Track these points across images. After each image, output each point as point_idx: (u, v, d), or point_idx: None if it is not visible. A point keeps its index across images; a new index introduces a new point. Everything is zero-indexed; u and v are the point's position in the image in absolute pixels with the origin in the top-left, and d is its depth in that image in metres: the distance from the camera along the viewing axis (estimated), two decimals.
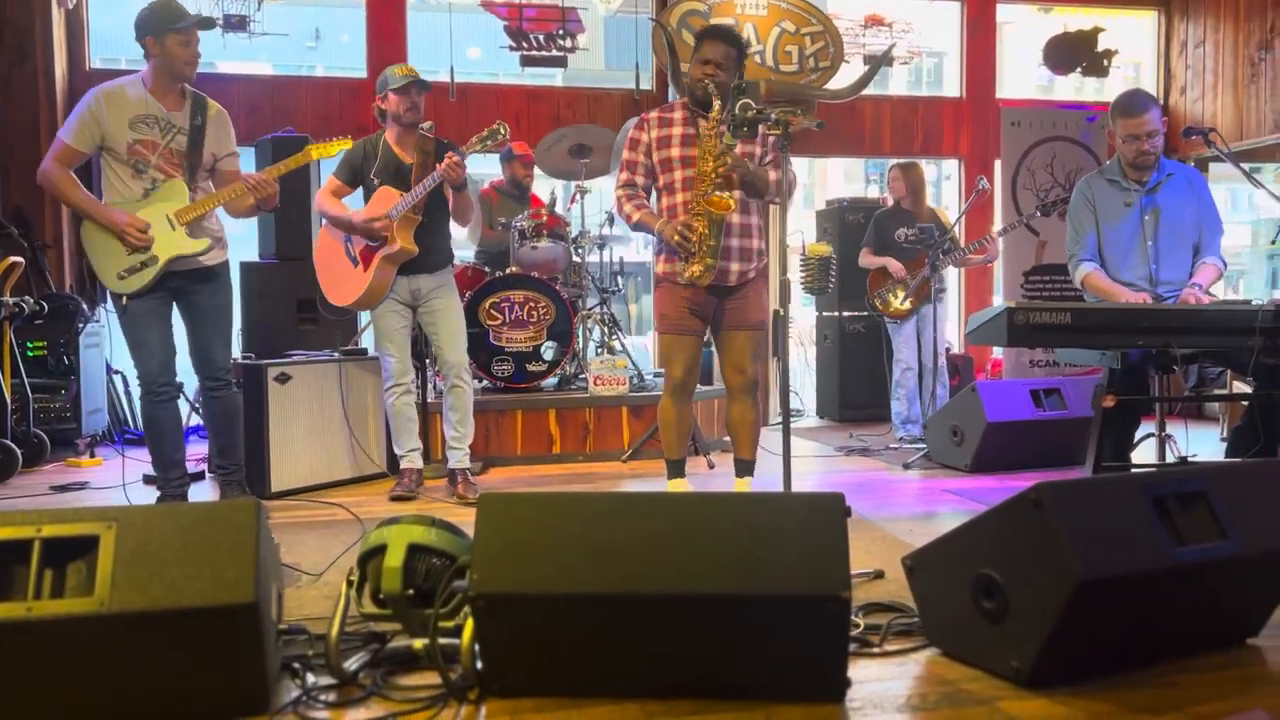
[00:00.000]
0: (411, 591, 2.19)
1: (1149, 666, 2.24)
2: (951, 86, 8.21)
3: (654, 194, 3.85)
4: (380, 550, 2.22)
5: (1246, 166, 8.10)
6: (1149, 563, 2.11)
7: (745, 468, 3.88)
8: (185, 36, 3.68)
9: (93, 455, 5.57)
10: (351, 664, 2.21)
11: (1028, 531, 2.11)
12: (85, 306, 6.07)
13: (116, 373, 6.61)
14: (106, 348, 6.43)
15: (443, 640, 2.22)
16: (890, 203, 6.21)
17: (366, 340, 6.22)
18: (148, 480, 4.93)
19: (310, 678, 2.17)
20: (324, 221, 4.50)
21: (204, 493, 4.70)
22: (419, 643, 2.27)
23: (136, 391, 6.49)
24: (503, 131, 4.17)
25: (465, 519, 2.25)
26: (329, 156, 4.06)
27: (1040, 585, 2.07)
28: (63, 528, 1.92)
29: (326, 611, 2.73)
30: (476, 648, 2.08)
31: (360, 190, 4.44)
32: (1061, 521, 2.05)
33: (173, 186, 3.73)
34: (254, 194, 3.75)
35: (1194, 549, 2.17)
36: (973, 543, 2.26)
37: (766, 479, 4.23)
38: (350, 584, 2.24)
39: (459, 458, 4.50)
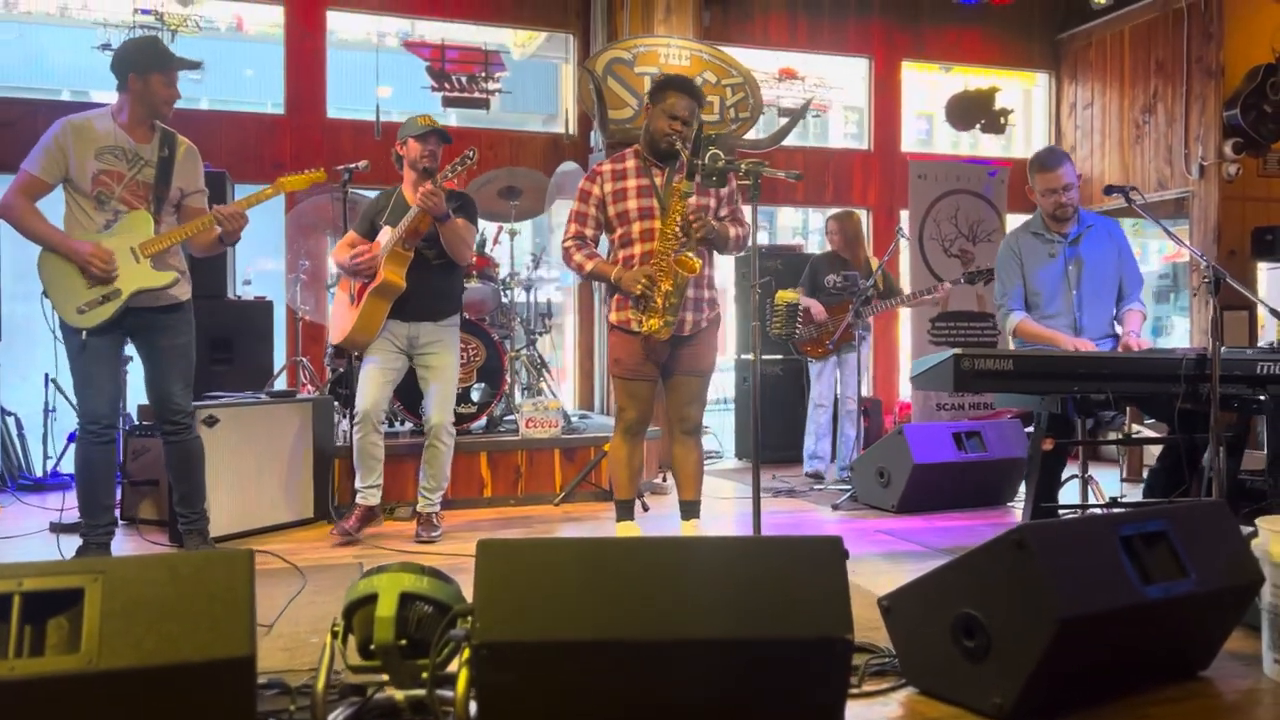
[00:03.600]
0: (404, 642, 2.13)
1: (1117, 700, 2.34)
2: (857, 139, 8.52)
3: (604, 242, 3.89)
4: (369, 600, 2.16)
5: (1130, 222, 8.59)
6: (1122, 600, 2.21)
7: (691, 509, 3.91)
8: (169, 77, 3.67)
9: None
10: (334, 718, 2.15)
11: (1010, 571, 2.19)
12: None
13: (9, 414, 6.26)
14: None
15: (419, 692, 2.18)
16: (829, 249, 6.40)
17: (280, 384, 6.08)
18: (55, 528, 4.68)
19: None
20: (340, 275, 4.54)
21: (119, 541, 4.49)
22: (401, 695, 2.22)
23: (32, 433, 6.24)
24: (471, 156, 4.15)
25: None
26: (300, 189, 4.00)
27: (1022, 623, 2.15)
28: (45, 580, 1.82)
29: (283, 665, 2.65)
30: (472, 697, 2.04)
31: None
32: (1044, 561, 2.14)
33: (137, 218, 3.64)
34: (224, 226, 3.68)
35: (1160, 586, 2.29)
36: (953, 583, 2.33)
37: (703, 523, 4.27)
38: (335, 635, 2.17)
39: (427, 504, 4.51)
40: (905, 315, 7.72)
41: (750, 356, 7.27)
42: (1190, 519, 2.46)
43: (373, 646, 2.13)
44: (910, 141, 8.72)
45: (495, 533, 4.71)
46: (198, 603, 1.85)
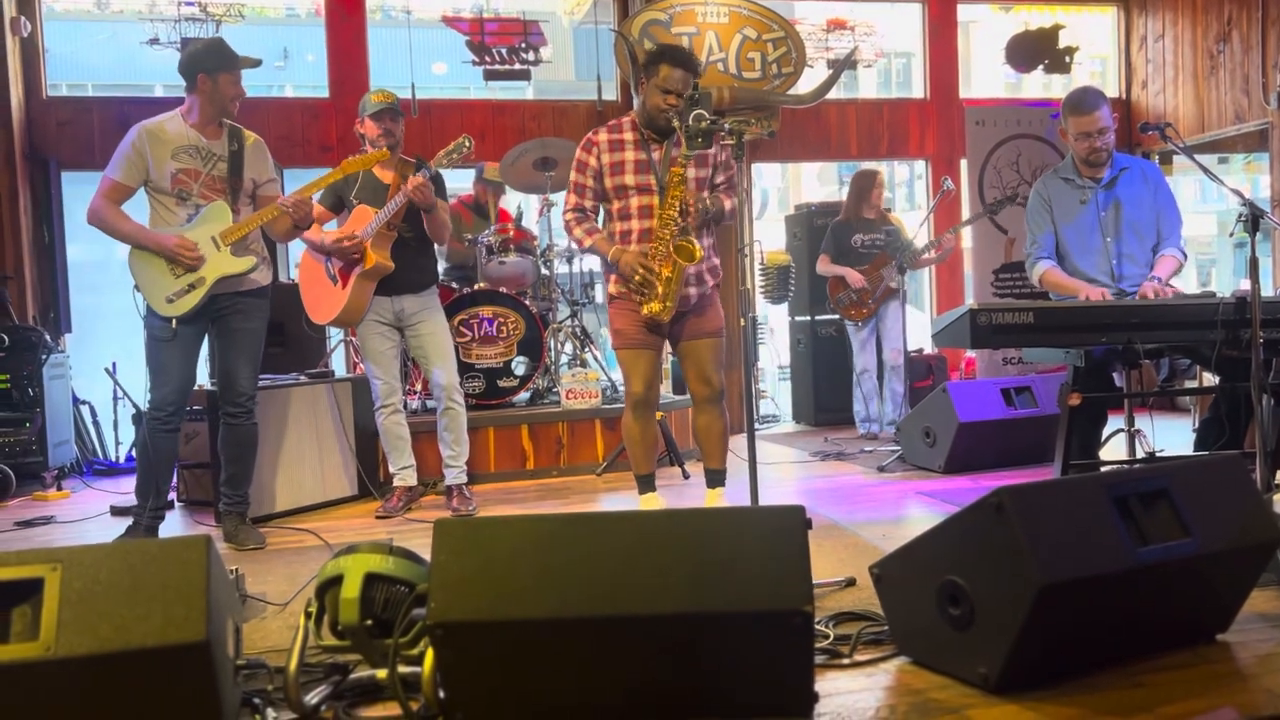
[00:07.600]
0: (370, 622, 2.15)
1: (1118, 668, 2.23)
2: (917, 87, 8.24)
3: (603, 213, 3.83)
4: (337, 580, 2.18)
5: (1212, 157, 8.14)
6: (1111, 564, 2.10)
7: (716, 478, 3.84)
8: (236, 75, 3.83)
9: (59, 488, 5.49)
10: (313, 697, 2.17)
11: (990, 537, 2.09)
12: (48, 338, 5.99)
13: (84, 403, 6.53)
14: (73, 378, 6.35)
15: (405, 669, 2.19)
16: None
17: (336, 362, 6.20)
18: (115, 512, 4.87)
19: (271, 713, 2.14)
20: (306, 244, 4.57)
21: (174, 522, 4.65)
22: (382, 673, 2.23)
23: (105, 420, 6.51)
24: (467, 144, 4.24)
25: None
26: (366, 169, 4.12)
27: (1004, 591, 2.06)
28: (6, 571, 1.88)
29: (286, 643, 2.69)
30: (438, 677, 2.04)
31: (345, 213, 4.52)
32: (1022, 525, 2.04)
33: (216, 209, 3.81)
34: (291, 214, 3.82)
35: (1157, 548, 2.16)
36: (937, 549, 2.24)
37: (743, 487, 4.21)
38: (309, 615, 2.20)
39: (455, 475, 4.58)
40: (967, 268, 7.46)
41: (804, 319, 7.20)
42: (1198, 475, 2.32)
43: (339, 627, 2.16)
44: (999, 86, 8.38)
45: (535, 504, 4.74)
46: (152, 590, 1.88)
